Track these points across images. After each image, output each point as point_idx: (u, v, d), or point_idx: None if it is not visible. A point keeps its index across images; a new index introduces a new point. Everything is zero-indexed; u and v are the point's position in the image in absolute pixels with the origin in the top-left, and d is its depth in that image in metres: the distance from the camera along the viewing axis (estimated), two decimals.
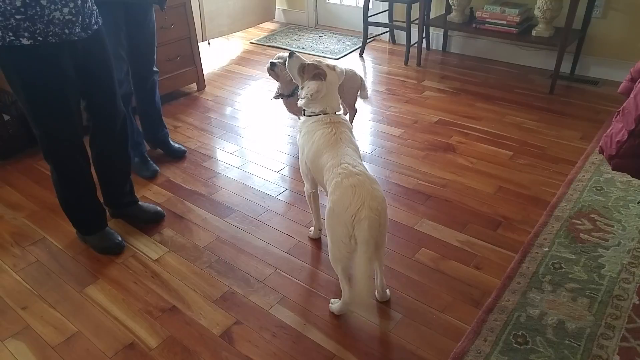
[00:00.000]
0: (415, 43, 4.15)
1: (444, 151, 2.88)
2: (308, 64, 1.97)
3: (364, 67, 4.18)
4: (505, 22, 3.61)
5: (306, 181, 2.07)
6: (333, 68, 1.96)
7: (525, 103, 3.41)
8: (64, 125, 1.95)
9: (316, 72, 1.93)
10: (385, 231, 1.70)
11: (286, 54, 2.56)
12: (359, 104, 3.12)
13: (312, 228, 2.26)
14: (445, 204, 2.45)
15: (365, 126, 3.21)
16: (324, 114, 1.92)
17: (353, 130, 2.78)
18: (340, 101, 2.00)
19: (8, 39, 1.70)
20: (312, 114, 1.93)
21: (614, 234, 2.17)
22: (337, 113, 1.95)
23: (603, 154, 1.93)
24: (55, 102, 1.88)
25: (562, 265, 2.02)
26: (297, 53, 2.03)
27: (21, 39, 1.71)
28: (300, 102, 1.97)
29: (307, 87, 1.92)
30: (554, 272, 1.99)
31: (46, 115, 1.90)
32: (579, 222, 2.25)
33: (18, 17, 1.67)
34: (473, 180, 2.60)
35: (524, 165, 2.72)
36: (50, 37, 1.75)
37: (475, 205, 2.42)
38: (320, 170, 1.83)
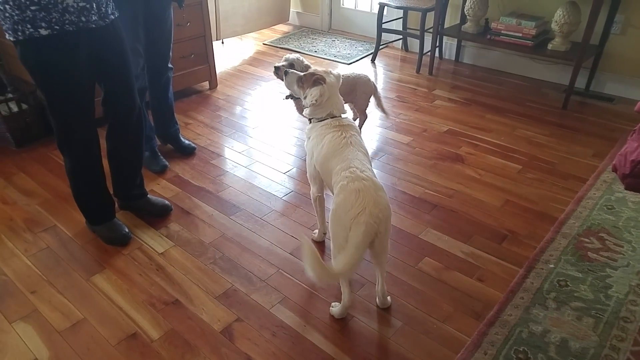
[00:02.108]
0: (428, 52, 4.15)
1: (452, 161, 2.88)
2: (304, 74, 2.00)
3: (376, 73, 4.19)
4: (520, 35, 3.61)
5: (313, 184, 2.09)
6: (329, 73, 1.99)
7: (537, 117, 3.40)
8: (80, 114, 1.98)
9: (315, 78, 1.95)
10: (387, 238, 1.70)
11: (292, 55, 2.61)
12: (370, 109, 3.15)
13: (317, 231, 2.26)
14: (451, 214, 2.45)
15: (374, 132, 3.22)
16: (331, 117, 1.95)
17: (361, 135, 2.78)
18: (345, 104, 2.02)
19: (28, 32, 1.74)
20: (320, 119, 1.96)
21: (624, 254, 2.15)
22: (343, 116, 1.97)
23: (616, 173, 1.92)
24: (73, 91, 1.91)
25: (568, 283, 2.01)
26: (291, 70, 2.08)
27: (40, 30, 1.74)
28: (306, 112, 1.99)
29: (310, 95, 1.93)
30: (559, 289, 1.98)
31: (64, 104, 1.93)
32: (588, 241, 2.23)
33: (33, 8, 1.71)
34: (480, 192, 2.61)
35: (532, 179, 2.71)
36: (67, 26, 1.78)
37: (481, 217, 2.42)
38: (329, 174, 1.85)
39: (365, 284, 2.03)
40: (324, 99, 1.93)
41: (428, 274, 2.08)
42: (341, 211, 1.65)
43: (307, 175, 2.09)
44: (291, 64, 2.53)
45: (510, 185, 2.67)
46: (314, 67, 2.08)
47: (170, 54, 2.71)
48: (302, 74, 2.03)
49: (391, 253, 2.17)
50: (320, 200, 2.13)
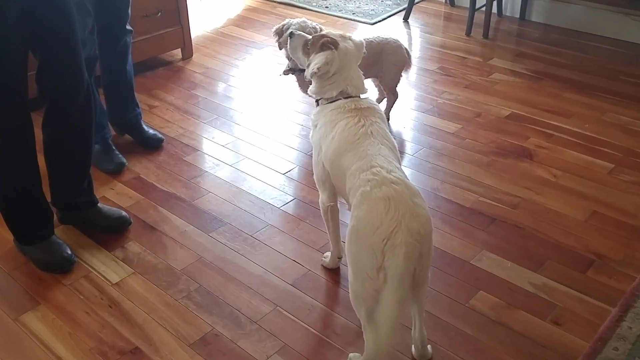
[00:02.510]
0: (482, 6, 4.14)
1: (517, 158, 2.87)
2: (313, 37, 2.02)
3: (409, 36, 4.20)
4: None
5: (322, 190, 2.09)
6: (349, 38, 2.01)
7: (634, 96, 3.38)
8: (8, 94, 1.99)
9: (323, 41, 1.95)
10: (428, 264, 1.69)
11: (297, 20, 2.67)
12: (402, 86, 3.13)
13: (328, 254, 2.26)
14: (515, 231, 2.43)
15: (408, 118, 3.21)
16: (345, 97, 1.95)
17: (389, 121, 2.77)
18: (367, 80, 2.04)
19: None
20: (330, 100, 1.96)
21: None
22: (362, 96, 1.97)
23: None
24: None
25: None
26: (298, 32, 2.10)
27: None
28: (311, 90, 2.01)
29: (313, 62, 1.95)
30: None
31: None
32: None
33: None
34: (556, 201, 2.59)
35: (628, 183, 2.70)
36: None
37: (558, 236, 2.40)
38: (342, 175, 1.84)
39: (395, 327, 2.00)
40: (332, 69, 1.94)
41: (484, 315, 2.06)
42: (365, 229, 1.63)
43: (314, 177, 2.09)
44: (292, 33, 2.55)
45: (597, 191, 2.65)
46: (327, 31, 2.11)
47: (129, 11, 2.72)
48: (310, 36, 2.05)
49: (433, 285, 2.13)
50: (333, 212, 2.12)
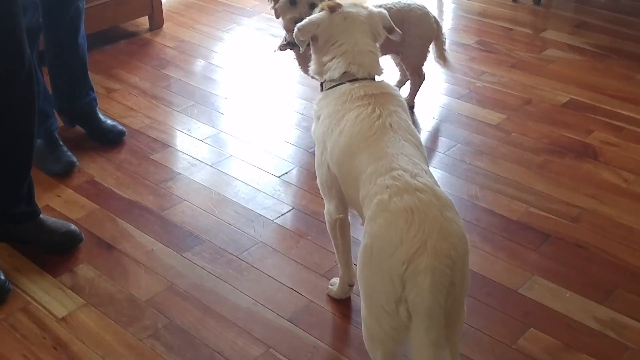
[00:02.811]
0: None
1: (577, 157, 2.87)
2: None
3: (440, 2, 4.21)
4: None
5: (328, 199, 2.09)
6: (368, 8, 2.06)
7: None
8: None
9: (323, 4, 2.02)
10: (463, 295, 1.67)
11: None
12: (430, 66, 3.14)
13: (336, 280, 2.26)
14: (575, 251, 2.43)
15: (437, 105, 3.23)
16: (350, 80, 1.97)
17: (412, 110, 2.74)
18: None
19: None
20: (334, 84, 1.99)
21: None
22: (376, 78, 1.99)
23: None
24: None
25: None
26: None
27: None
28: (310, 68, 2.06)
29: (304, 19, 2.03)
30: None
31: None
32: None
33: None
34: (627, 213, 2.59)
35: None
36: None
37: (630, 258, 2.40)
38: (354, 180, 1.84)
39: None
40: (321, 34, 2.00)
41: (535, 359, 2.04)
42: (381, 249, 1.61)
43: (318, 181, 2.10)
44: (312, 4, 2.64)
45: None
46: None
47: None
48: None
49: (470, 322, 2.10)
50: (343, 226, 2.12)
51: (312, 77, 2.10)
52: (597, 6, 4.09)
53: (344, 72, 1.97)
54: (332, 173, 1.98)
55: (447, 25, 3.91)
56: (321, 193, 2.10)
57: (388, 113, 1.86)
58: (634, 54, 3.61)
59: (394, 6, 2.95)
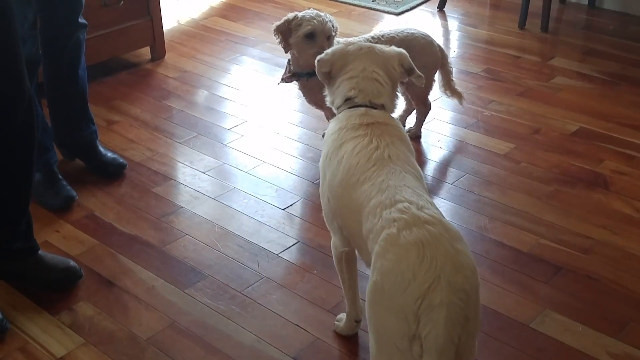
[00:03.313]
0: None
1: (588, 187, 2.86)
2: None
3: (446, 30, 4.25)
4: None
5: (333, 231, 2.09)
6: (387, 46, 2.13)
7: None
8: None
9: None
10: (476, 330, 1.64)
11: (309, 12, 2.73)
12: (435, 94, 3.12)
13: (343, 316, 2.24)
14: (588, 284, 2.40)
15: (444, 134, 3.22)
16: (350, 106, 2.00)
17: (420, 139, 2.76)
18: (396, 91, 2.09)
19: None
20: (338, 110, 2.04)
21: None
22: (376, 105, 2.01)
23: None
24: None
25: None
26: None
27: None
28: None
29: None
30: None
31: None
32: None
33: None
34: None
35: None
36: None
37: None
38: (354, 214, 1.82)
39: None
40: (335, 60, 2.04)
41: None
42: (393, 285, 1.59)
43: (324, 214, 2.08)
44: (329, 36, 2.72)
45: None
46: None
47: (82, 0, 2.73)
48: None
49: (481, 357, 2.06)
50: (349, 260, 2.10)
51: (316, 107, 2.08)
52: (605, 33, 4.11)
53: (346, 99, 1.99)
54: (332, 205, 1.97)
55: (453, 53, 3.94)
56: (327, 225, 2.08)
57: (386, 144, 1.87)
58: None
59: (397, 35, 2.96)
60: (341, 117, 1.99)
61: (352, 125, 1.94)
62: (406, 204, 1.68)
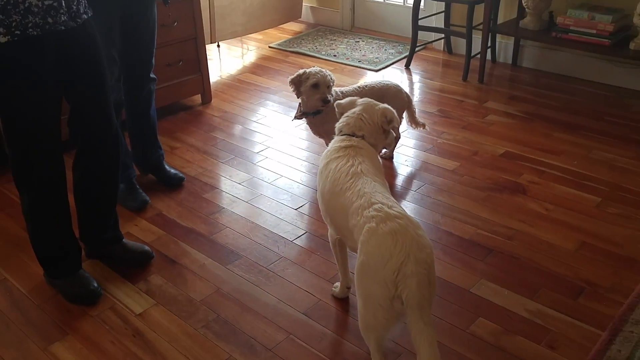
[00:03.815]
0: (477, 54, 4.19)
1: (512, 193, 2.88)
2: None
3: (411, 81, 4.24)
4: (594, 32, 3.63)
5: (329, 224, 2.10)
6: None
7: (619, 135, 3.40)
8: (45, 137, 2.03)
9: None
10: (434, 291, 1.69)
11: (313, 69, 2.76)
12: (404, 127, 3.18)
13: (338, 284, 2.27)
14: (511, 261, 2.44)
15: (410, 156, 3.24)
16: (339, 134, 2.07)
17: (392, 159, 2.81)
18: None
19: None
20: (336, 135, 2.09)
21: None
22: (357, 135, 2.05)
23: None
24: (37, 107, 1.97)
25: None
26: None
27: None
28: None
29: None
30: None
31: (25, 124, 1.98)
32: None
33: None
34: (548, 233, 2.60)
35: (615, 215, 2.70)
36: (30, 30, 1.84)
37: (551, 265, 2.40)
38: (341, 213, 1.86)
39: (402, 353, 2.01)
40: (343, 106, 2.13)
41: (483, 340, 2.06)
42: (375, 263, 1.64)
43: (321, 212, 2.13)
44: (328, 86, 2.76)
45: (586, 223, 2.66)
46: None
47: (153, 61, 2.78)
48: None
49: (435, 312, 2.11)
50: (341, 244, 2.13)
51: (320, 137, 2.14)
52: (524, 83, 4.12)
53: (339, 130, 2.06)
54: (324, 207, 2.02)
55: (416, 98, 3.94)
56: (324, 220, 2.13)
57: (359, 162, 1.91)
58: (551, 118, 3.62)
59: (376, 85, 3.00)
60: (333, 141, 2.05)
61: (336, 148, 1.98)
62: (380, 205, 1.72)
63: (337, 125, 2.09)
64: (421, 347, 1.61)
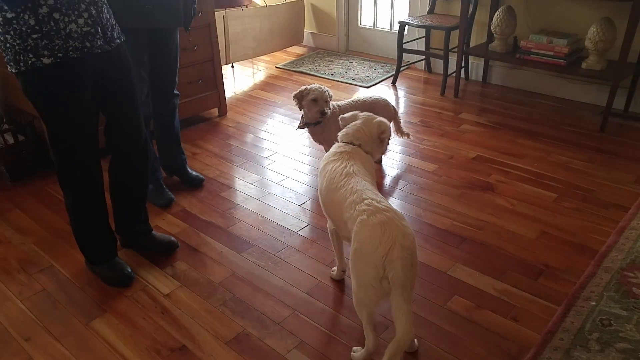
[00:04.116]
0: (453, 72, 4.20)
1: (482, 190, 2.89)
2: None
3: (397, 96, 4.25)
4: (552, 53, 3.65)
5: (327, 218, 2.10)
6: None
7: (573, 141, 3.41)
8: (85, 143, 2.04)
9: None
10: (416, 272, 1.70)
11: (313, 86, 2.75)
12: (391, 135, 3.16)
13: (335, 268, 2.27)
14: (481, 248, 2.44)
15: (396, 160, 3.25)
16: (340, 142, 2.06)
17: (381, 163, 2.79)
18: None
19: (30, 62, 1.82)
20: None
21: None
22: (354, 143, 2.03)
23: None
24: (78, 119, 1.98)
25: (612, 322, 1.99)
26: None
27: (42, 59, 1.82)
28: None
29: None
30: (603, 329, 1.95)
31: (68, 133, 1.99)
32: (632, 275, 2.21)
33: (35, 36, 1.78)
34: (513, 224, 2.61)
35: (570, 209, 2.71)
36: (71, 52, 1.86)
37: (515, 251, 2.41)
38: (336, 207, 1.87)
39: (389, 326, 2.02)
40: (347, 120, 2.12)
41: (458, 314, 2.07)
42: (367, 249, 1.65)
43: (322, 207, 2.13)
44: (326, 101, 2.75)
45: (545, 215, 2.67)
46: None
47: (176, 79, 2.78)
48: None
49: (417, 291, 2.16)
50: (337, 234, 2.12)
51: (319, 144, 2.13)
52: (493, 98, 4.12)
53: (341, 139, 2.06)
54: (322, 202, 2.02)
55: (401, 110, 3.95)
56: (323, 213, 2.13)
57: (351, 164, 1.92)
58: (515, 127, 3.62)
59: (367, 99, 2.99)
60: (332, 147, 2.05)
61: (333, 153, 1.99)
62: (369, 200, 1.73)
63: (339, 134, 2.09)
64: (398, 320, 1.62)
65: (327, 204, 1.97)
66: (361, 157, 2.00)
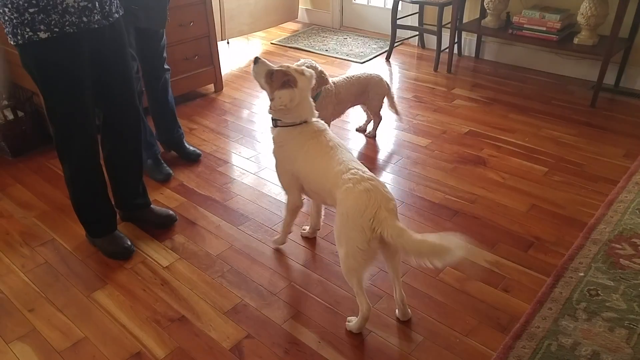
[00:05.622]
0: (446, 48, 4.17)
1: (474, 164, 2.89)
2: (276, 70, 1.94)
3: (391, 72, 4.22)
4: (544, 29, 3.61)
5: (290, 193, 2.11)
6: (302, 72, 1.95)
7: (563, 116, 3.40)
8: (81, 116, 2.01)
9: (285, 79, 1.90)
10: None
11: (305, 60, 2.63)
12: (384, 111, 3.17)
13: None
14: (473, 221, 2.45)
15: (390, 135, 3.23)
16: (305, 122, 1.97)
17: (375, 138, 2.75)
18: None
19: (27, 35, 1.79)
20: (291, 124, 1.96)
21: None
22: (314, 119, 1.98)
23: None
24: (75, 93, 1.96)
25: (599, 292, 2.01)
26: (262, 58, 1.99)
27: (38, 33, 1.78)
28: (272, 113, 1.98)
29: (277, 98, 1.90)
30: (590, 299, 1.98)
31: (65, 107, 1.97)
32: (619, 247, 2.23)
33: (31, 10, 1.75)
34: (504, 197, 2.61)
35: (560, 182, 2.71)
36: (67, 27, 1.82)
37: (506, 224, 2.41)
38: (321, 177, 1.88)
39: (383, 296, 2.03)
40: (294, 104, 1.91)
41: (450, 285, 2.08)
42: (354, 213, 1.69)
43: (282, 184, 2.12)
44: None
45: (536, 189, 2.66)
46: (290, 65, 2.01)
47: (165, 54, 2.75)
48: (274, 67, 1.95)
49: (410, 264, 2.17)
50: (296, 210, 2.15)
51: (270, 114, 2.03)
52: (485, 73, 4.09)
53: (302, 120, 1.97)
54: (294, 178, 2.01)
55: (395, 86, 3.92)
56: (284, 191, 2.13)
57: (329, 139, 1.93)
58: (507, 102, 3.61)
59: (361, 75, 2.96)
60: (302, 129, 1.96)
61: (312, 133, 1.95)
62: (355, 170, 1.79)
63: (298, 116, 1.97)
64: (432, 242, 1.62)
65: (310, 175, 1.96)
66: (330, 132, 1.98)
